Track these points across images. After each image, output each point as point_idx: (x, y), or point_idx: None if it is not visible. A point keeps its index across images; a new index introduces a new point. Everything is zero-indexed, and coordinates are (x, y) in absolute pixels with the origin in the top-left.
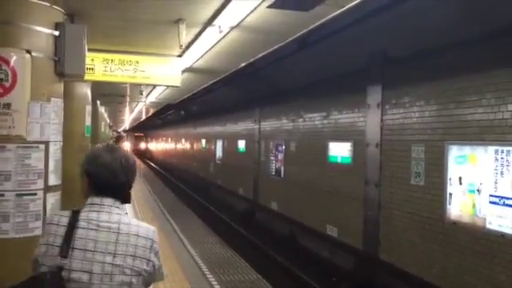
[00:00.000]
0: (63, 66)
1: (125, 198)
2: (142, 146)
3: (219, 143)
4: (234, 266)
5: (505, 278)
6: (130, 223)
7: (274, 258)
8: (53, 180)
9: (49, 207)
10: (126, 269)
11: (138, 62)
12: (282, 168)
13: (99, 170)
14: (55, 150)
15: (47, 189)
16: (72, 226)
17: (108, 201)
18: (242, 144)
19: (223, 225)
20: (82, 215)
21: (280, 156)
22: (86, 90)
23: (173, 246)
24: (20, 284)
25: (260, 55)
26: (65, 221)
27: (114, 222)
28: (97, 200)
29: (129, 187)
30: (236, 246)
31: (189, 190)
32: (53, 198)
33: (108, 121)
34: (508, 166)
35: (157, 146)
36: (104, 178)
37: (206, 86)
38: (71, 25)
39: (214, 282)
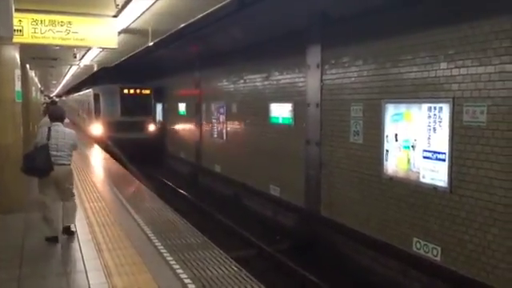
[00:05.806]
0: None
1: (63, 121)
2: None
3: (159, 107)
4: (179, 230)
5: (437, 228)
6: (67, 129)
7: (219, 220)
8: None
9: None
10: (68, 143)
11: (70, 22)
12: (224, 130)
13: (54, 115)
14: None
15: None
16: (49, 131)
17: (58, 123)
18: (182, 107)
19: (167, 190)
20: (51, 128)
21: (222, 118)
22: (14, 54)
23: (117, 214)
24: (33, 150)
25: (199, 16)
26: (46, 130)
27: (61, 129)
28: (55, 123)
29: (63, 118)
30: (181, 210)
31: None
32: None
33: (39, 86)
34: (440, 122)
35: None
36: (56, 118)
37: (143, 47)
38: None
39: (160, 247)
